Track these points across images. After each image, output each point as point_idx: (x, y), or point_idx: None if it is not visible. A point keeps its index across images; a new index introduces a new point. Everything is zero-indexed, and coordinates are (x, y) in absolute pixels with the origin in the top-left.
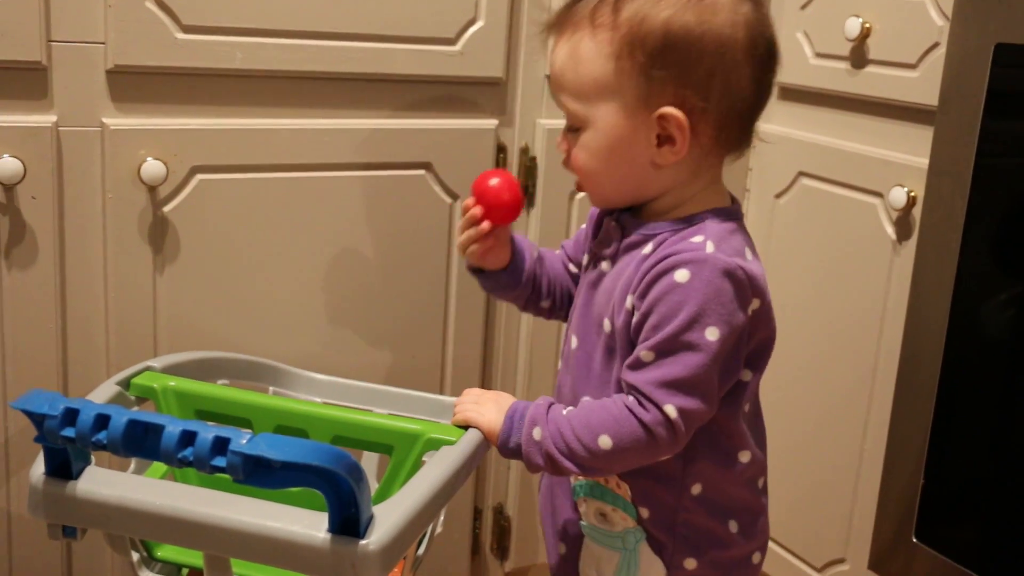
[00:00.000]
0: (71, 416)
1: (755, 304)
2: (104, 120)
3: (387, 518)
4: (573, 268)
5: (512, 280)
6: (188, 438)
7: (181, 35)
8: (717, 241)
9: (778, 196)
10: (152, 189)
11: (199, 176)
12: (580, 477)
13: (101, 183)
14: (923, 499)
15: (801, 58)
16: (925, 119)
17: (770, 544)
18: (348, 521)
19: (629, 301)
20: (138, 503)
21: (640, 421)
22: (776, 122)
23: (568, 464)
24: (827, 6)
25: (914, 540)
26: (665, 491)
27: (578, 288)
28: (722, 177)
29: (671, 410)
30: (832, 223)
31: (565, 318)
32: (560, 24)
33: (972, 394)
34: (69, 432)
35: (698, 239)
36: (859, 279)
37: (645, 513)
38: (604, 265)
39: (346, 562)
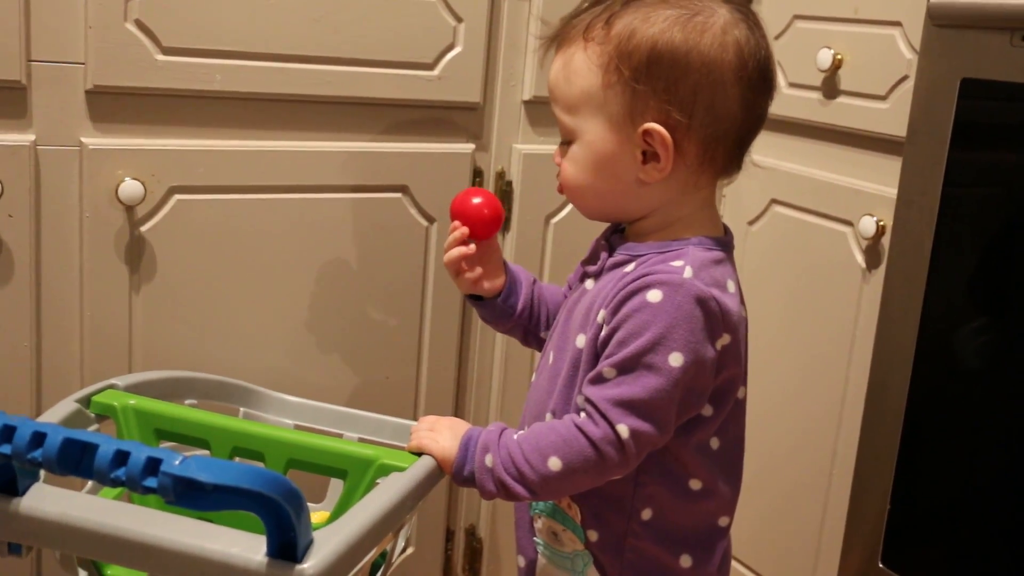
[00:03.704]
0: (8, 433)
1: (725, 339)
2: (83, 139)
3: (326, 543)
4: None
5: (508, 308)
6: (121, 458)
7: (161, 57)
8: (697, 268)
9: (751, 223)
10: (129, 209)
11: (177, 196)
12: None
13: (79, 202)
14: (890, 524)
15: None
16: (894, 150)
17: (738, 567)
18: (286, 545)
19: (601, 315)
20: (79, 521)
21: (589, 439)
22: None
23: (520, 489)
24: (800, 37)
25: (880, 565)
26: (615, 514)
27: (563, 304)
28: (715, 203)
29: (623, 430)
30: (803, 250)
31: None
32: (557, 38)
33: (939, 420)
34: (5, 449)
35: (678, 263)
36: (829, 306)
37: (593, 536)
38: (588, 283)
39: None
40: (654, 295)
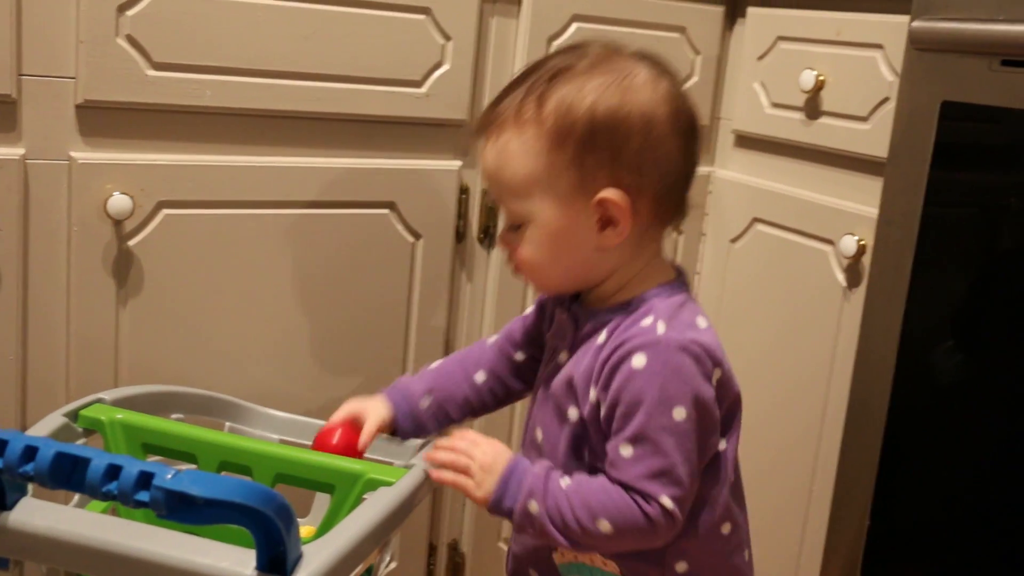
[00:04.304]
0: None
1: (717, 373)
2: (72, 154)
3: (315, 557)
4: (519, 356)
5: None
6: (113, 472)
7: (151, 72)
8: (668, 319)
9: (733, 240)
10: (118, 223)
11: (165, 211)
12: (566, 558)
13: (67, 216)
14: (869, 540)
15: (757, 107)
16: (875, 170)
17: None
18: (275, 560)
19: (593, 394)
20: (67, 535)
21: (643, 512)
22: (732, 168)
23: (560, 539)
24: (783, 58)
25: None
26: (650, 568)
27: (537, 378)
28: (663, 250)
29: (667, 501)
30: (785, 268)
31: (507, 402)
32: (487, 126)
33: (918, 438)
34: None
35: (647, 321)
36: (810, 323)
37: None
38: (561, 357)
39: None
40: (638, 360)
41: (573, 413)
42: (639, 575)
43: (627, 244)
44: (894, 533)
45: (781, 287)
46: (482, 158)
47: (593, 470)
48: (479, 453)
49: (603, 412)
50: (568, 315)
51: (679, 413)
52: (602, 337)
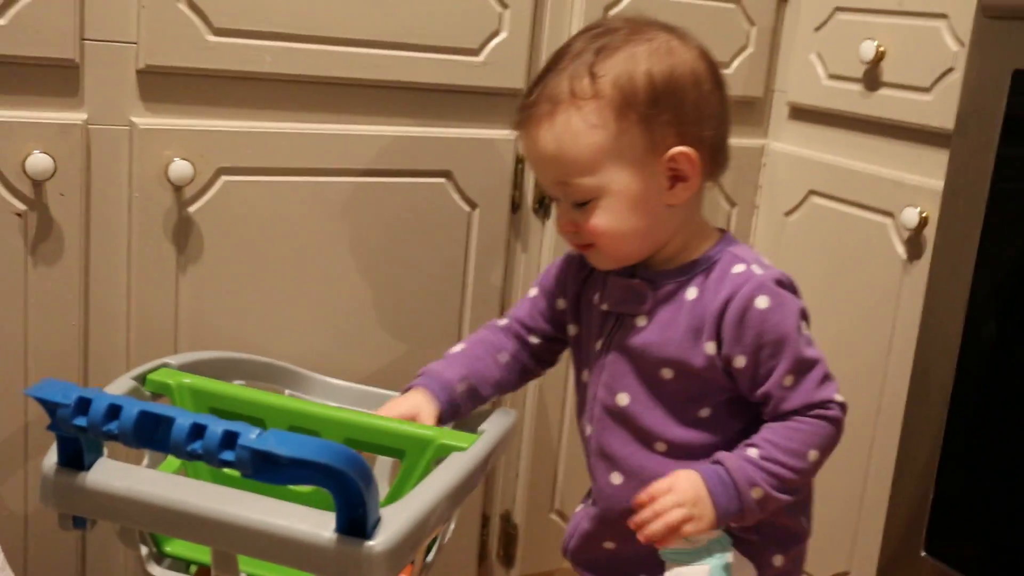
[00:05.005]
0: (83, 405)
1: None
2: (133, 119)
3: (395, 520)
4: (533, 339)
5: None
6: (198, 431)
7: (212, 37)
8: (753, 260)
9: (788, 213)
10: (178, 189)
11: (224, 177)
12: None
13: (128, 182)
14: (933, 513)
15: (813, 79)
16: (938, 142)
17: None
18: (355, 521)
19: (710, 347)
20: (146, 496)
21: (829, 419)
22: (787, 141)
23: (786, 498)
24: (841, 29)
25: (923, 554)
26: None
27: (600, 347)
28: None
29: (838, 396)
30: (842, 241)
31: (523, 383)
32: (535, 110)
33: (984, 410)
34: (81, 421)
35: (740, 267)
36: (868, 296)
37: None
38: (639, 321)
39: (351, 562)
40: (761, 302)
41: (667, 373)
42: None
43: (689, 200)
44: (959, 507)
45: (838, 260)
46: (531, 146)
47: (695, 421)
48: (681, 496)
49: (744, 361)
50: (639, 281)
51: (804, 328)
52: (691, 293)
